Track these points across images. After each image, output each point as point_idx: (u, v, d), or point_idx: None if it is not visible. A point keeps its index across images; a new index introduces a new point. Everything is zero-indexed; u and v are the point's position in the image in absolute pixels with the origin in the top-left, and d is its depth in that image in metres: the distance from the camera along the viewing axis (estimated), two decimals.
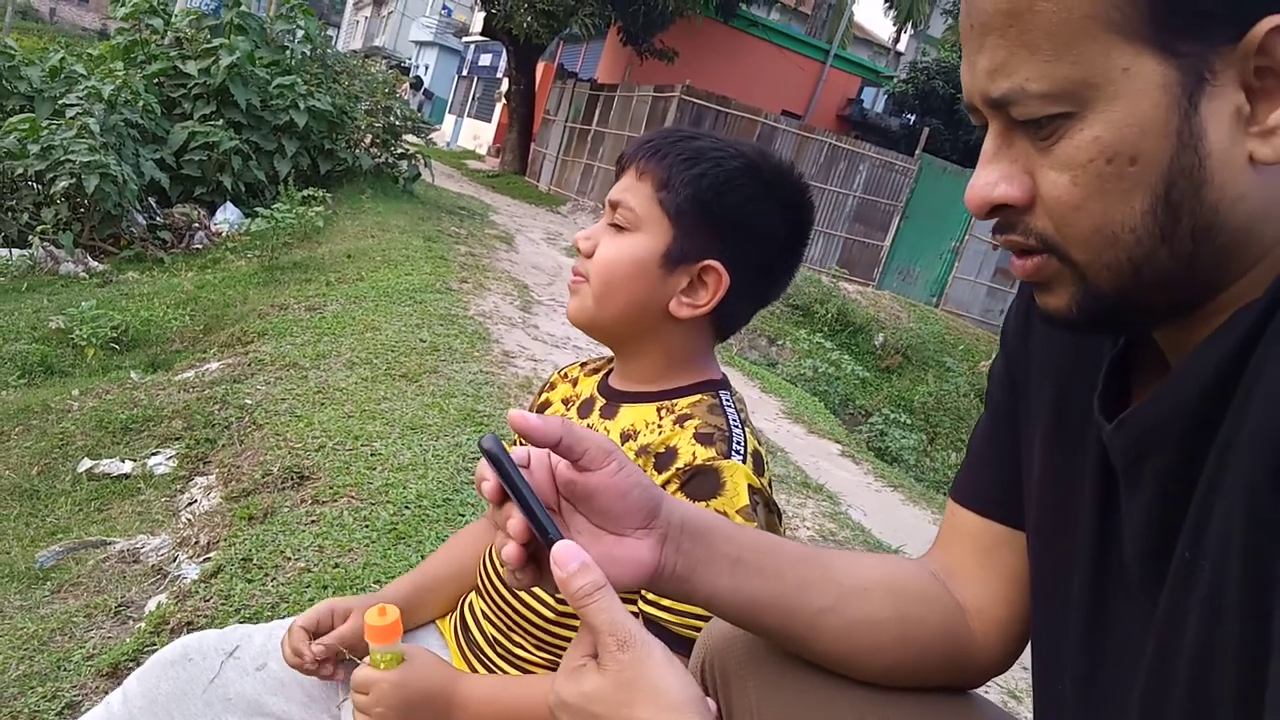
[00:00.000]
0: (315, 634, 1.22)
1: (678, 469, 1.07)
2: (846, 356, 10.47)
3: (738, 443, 1.10)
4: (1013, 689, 2.70)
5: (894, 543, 3.87)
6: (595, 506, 0.74)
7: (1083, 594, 0.76)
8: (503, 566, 0.71)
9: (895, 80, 22.73)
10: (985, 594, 0.91)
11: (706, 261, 1.14)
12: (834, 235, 15.50)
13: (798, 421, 5.94)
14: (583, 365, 1.38)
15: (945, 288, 15.99)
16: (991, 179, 0.66)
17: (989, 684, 1.50)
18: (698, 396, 1.17)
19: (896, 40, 25.51)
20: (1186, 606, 0.61)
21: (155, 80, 8.65)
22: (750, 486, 1.06)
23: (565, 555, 0.67)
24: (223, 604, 2.06)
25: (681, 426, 1.12)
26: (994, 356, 0.95)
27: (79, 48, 10.13)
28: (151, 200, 7.83)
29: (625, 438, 1.16)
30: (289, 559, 2.25)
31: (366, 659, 1.14)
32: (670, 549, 0.77)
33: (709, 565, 0.79)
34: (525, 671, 1.17)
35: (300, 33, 10.35)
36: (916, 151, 15.57)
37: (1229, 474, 0.58)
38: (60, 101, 7.58)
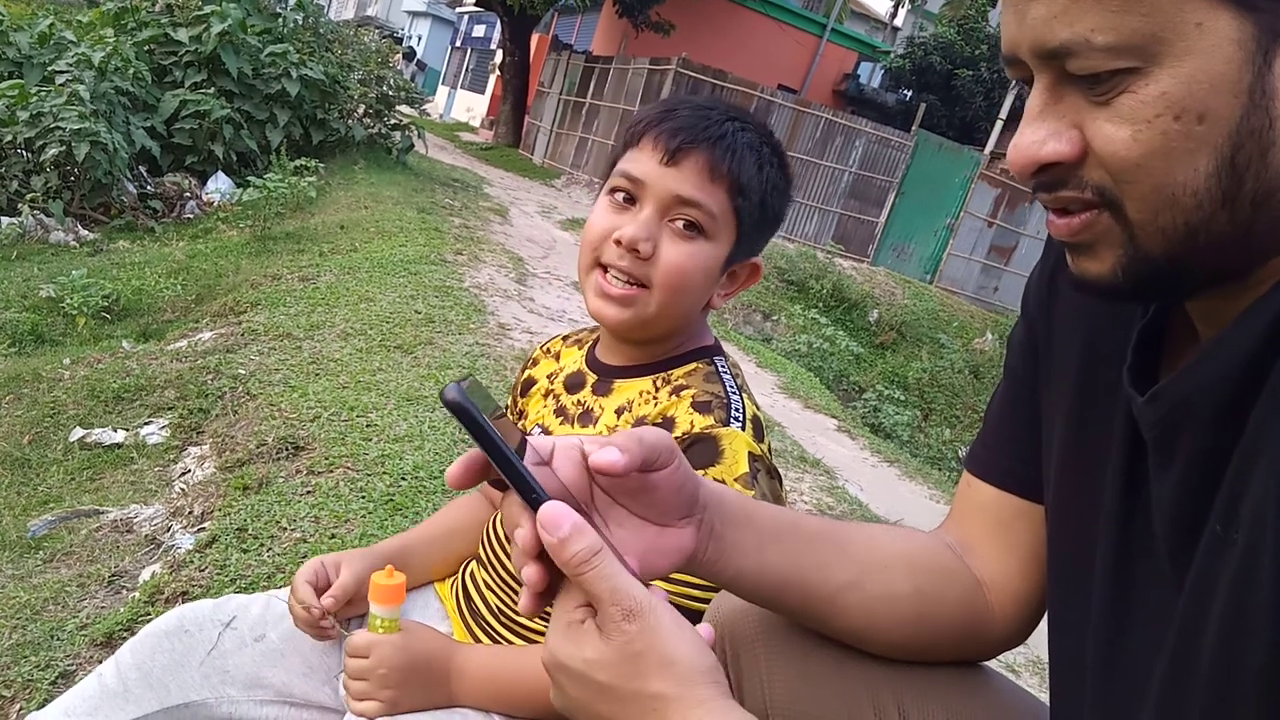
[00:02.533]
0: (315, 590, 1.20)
1: (675, 438, 1.05)
2: (841, 332, 10.46)
3: (736, 409, 1.09)
4: (1011, 663, 2.70)
5: (891, 517, 3.88)
6: (650, 501, 0.71)
7: (1105, 570, 0.74)
8: (513, 565, 0.67)
9: (892, 55, 22.58)
10: (1002, 568, 0.89)
11: (752, 259, 1.16)
12: (829, 211, 15.45)
13: (793, 396, 5.93)
14: (564, 338, 1.34)
15: (940, 264, 15.97)
16: (1039, 136, 0.62)
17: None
18: (693, 365, 1.15)
19: (894, 15, 25.33)
20: (1215, 583, 0.60)
21: (146, 47, 8.55)
22: (750, 454, 1.04)
23: (554, 518, 0.61)
24: (218, 574, 2.04)
25: (678, 396, 1.10)
26: (1015, 323, 0.93)
27: (69, 14, 9.99)
28: (142, 169, 7.76)
29: (620, 411, 1.14)
30: (285, 529, 2.23)
31: (361, 629, 1.12)
32: (704, 534, 0.75)
33: (737, 547, 0.78)
34: (529, 640, 1.15)
35: (292, 1, 10.22)
36: (913, 127, 15.51)
37: (1266, 448, 0.57)
38: (50, 68, 7.47)
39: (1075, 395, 0.80)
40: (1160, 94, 0.57)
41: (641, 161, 1.09)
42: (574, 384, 1.22)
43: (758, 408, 1.14)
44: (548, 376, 1.29)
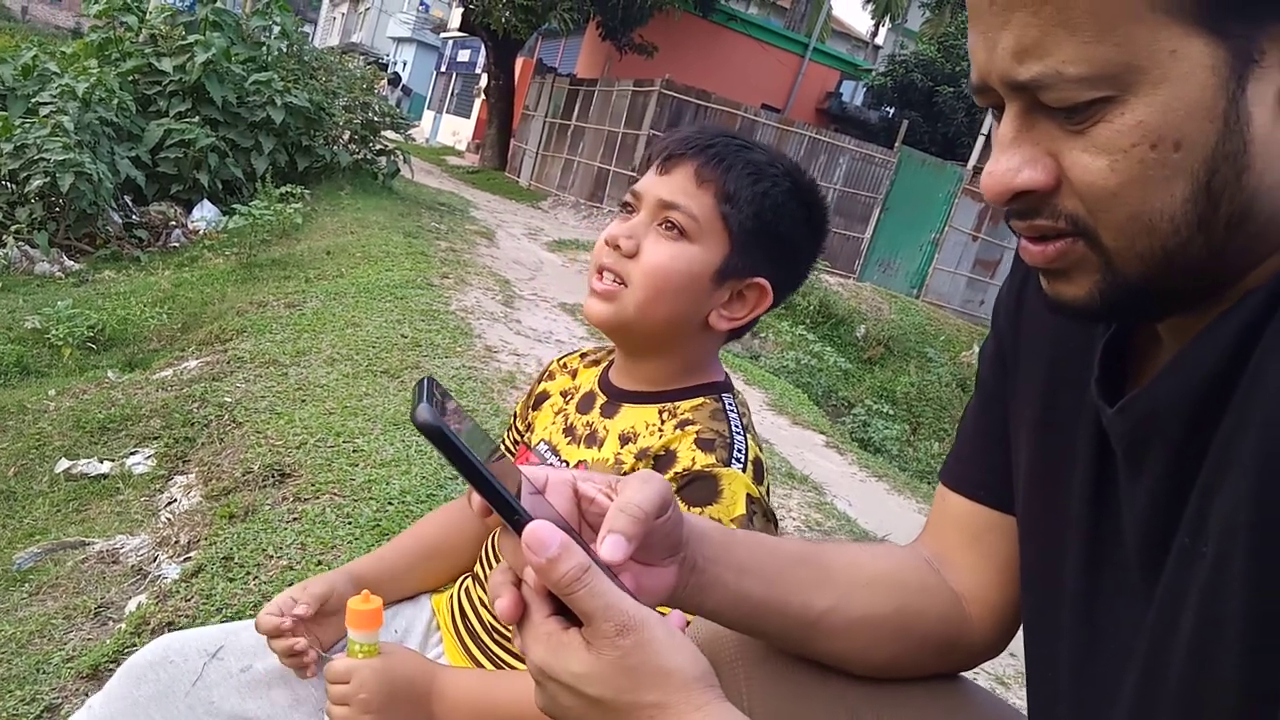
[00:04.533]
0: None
1: (676, 473, 1.05)
2: (829, 348, 10.49)
3: (739, 450, 1.09)
4: (1000, 675, 2.71)
5: (879, 532, 3.88)
6: (640, 545, 0.70)
7: (1075, 580, 0.75)
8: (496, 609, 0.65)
9: (874, 74, 22.77)
10: (978, 580, 0.90)
11: (755, 280, 1.14)
12: None
13: (782, 413, 5.94)
14: (582, 356, 1.34)
15: (926, 279, 16.04)
16: (1014, 164, 0.62)
17: (977, 670, 1.50)
18: (700, 400, 1.15)
19: (875, 34, 25.58)
20: (1185, 594, 0.60)
21: (130, 78, 8.55)
22: (749, 495, 1.05)
23: (541, 538, 0.59)
24: (204, 603, 2.03)
25: (683, 431, 1.10)
26: (985, 338, 0.94)
27: (52, 46, 9.98)
28: (127, 199, 7.74)
29: (625, 440, 1.14)
30: (271, 557, 2.22)
31: (340, 654, 1.12)
32: (686, 570, 0.75)
33: (717, 580, 0.78)
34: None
35: (276, 28, 10.24)
36: (895, 144, 15.61)
37: (1235, 459, 0.57)
38: (33, 100, 7.46)
39: (1042, 406, 0.81)
40: (1137, 123, 0.57)
41: (645, 178, 1.15)
42: (585, 404, 1.23)
43: (760, 449, 1.14)
44: (562, 394, 1.29)
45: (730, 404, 1.16)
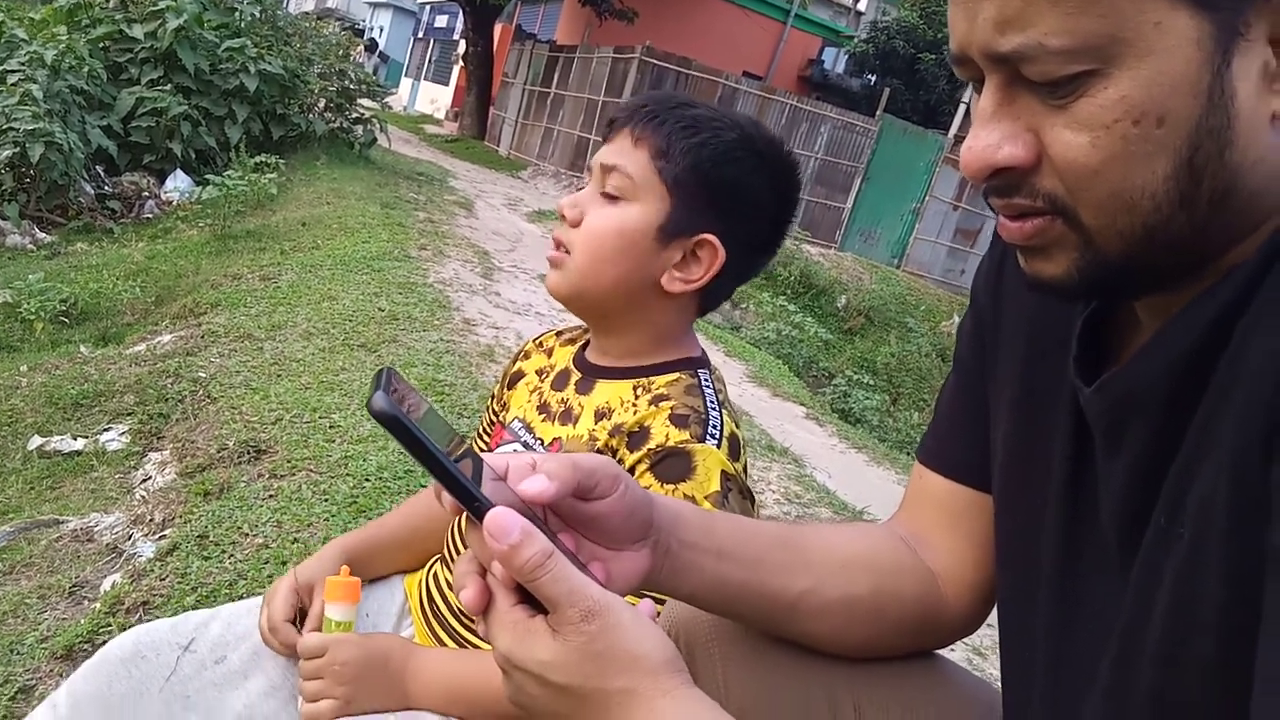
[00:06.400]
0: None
1: (649, 449, 1.04)
2: (809, 319, 10.50)
3: (713, 426, 1.07)
4: (978, 646, 2.73)
5: (859, 504, 3.90)
6: (600, 528, 0.70)
7: (1052, 560, 0.75)
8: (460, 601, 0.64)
9: (856, 40, 22.64)
10: (955, 559, 0.90)
11: (703, 235, 1.11)
12: None
13: (762, 385, 5.95)
14: (558, 334, 1.33)
15: (907, 249, 16.06)
16: (994, 139, 0.61)
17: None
18: (675, 375, 1.13)
19: (857, 0, 25.42)
20: (1160, 574, 0.60)
21: (100, 44, 8.40)
22: (724, 472, 1.03)
23: (503, 525, 0.58)
24: (179, 583, 2.02)
25: (657, 406, 1.09)
26: (963, 314, 0.93)
27: (20, 11, 9.77)
28: (99, 169, 7.63)
29: (600, 415, 1.12)
30: (246, 535, 2.20)
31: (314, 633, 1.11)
32: (660, 555, 0.74)
33: (694, 564, 0.77)
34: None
35: None
36: (877, 112, 15.56)
37: (1213, 439, 0.57)
38: (1, 68, 7.32)
39: (1021, 384, 0.81)
40: (1120, 98, 0.56)
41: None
42: (560, 381, 1.22)
43: (738, 425, 1.13)
44: (537, 372, 1.28)
45: (706, 379, 1.15)
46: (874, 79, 21.75)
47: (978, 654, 2.74)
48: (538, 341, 1.34)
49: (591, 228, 1.11)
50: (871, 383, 9.66)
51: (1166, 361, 0.61)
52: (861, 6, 25.34)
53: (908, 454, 5.89)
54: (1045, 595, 0.75)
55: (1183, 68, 0.55)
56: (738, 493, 1.05)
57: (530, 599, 0.61)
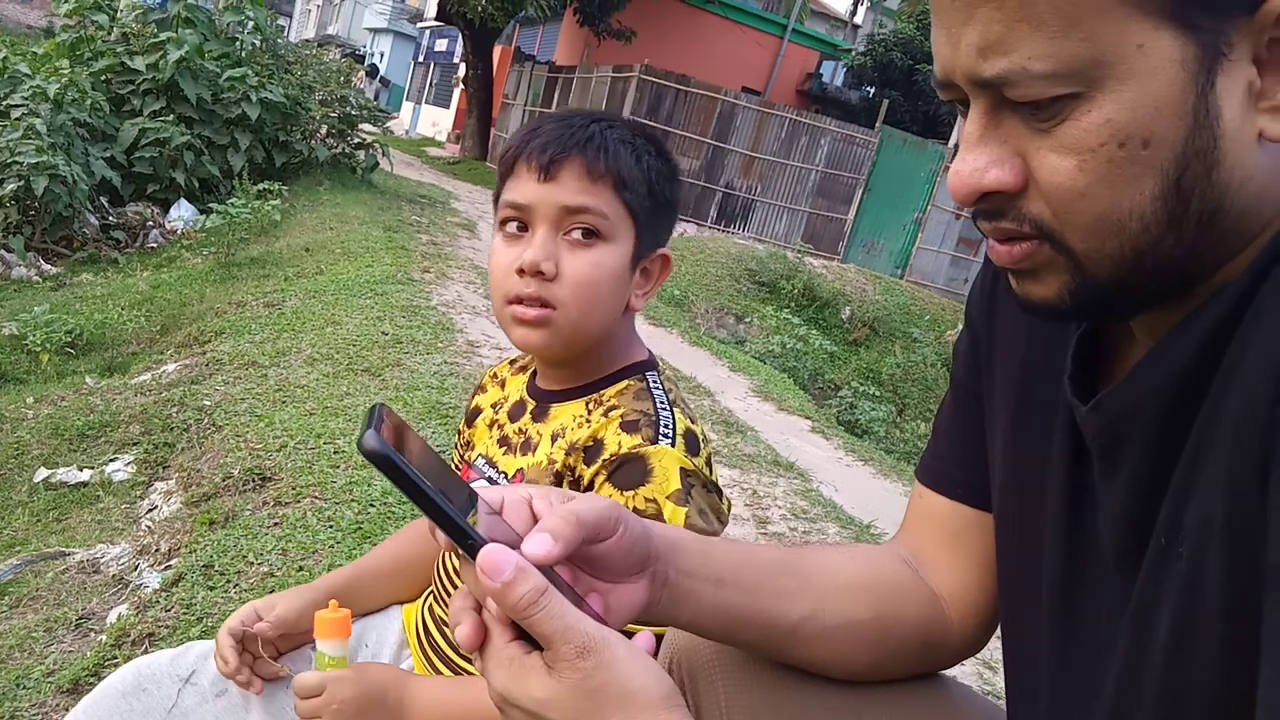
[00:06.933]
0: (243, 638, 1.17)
1: (604, 460, 1.04)
2: (814, 331, 10.49)
3: (665, 426, 1.07)
4: (988, 660, 2.71)
5: (866, 518, 3.88)
6: (598, 565, 0.69)
7: (1053, 578, 0.75)
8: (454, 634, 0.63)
9: (853, 53, 22.72)
10: (957, 579, 0.89)
11: (661, 251, 1.14)
12: (798, 211, 15.50)
13: (767, 399, 5.93)
14: (511, 362, 1.33)
15: (909, 259, 16.05)
16: (980, 164, 0.61)
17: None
18: (624, 383, 1.13)
19: (853, 13, 25.55)
20: (1161, 593, 0.60)
21: (103, 77, 8.48)
22: (682, 469, 1.03)
23: (496, 563, 0.57)
24: (184, 613, 2.01)
25: (607, 417, 1.09)
26: (959, 332, 0.93)
27: (23, 46, 9.88)
28: (103, 200, 7.68)
29: (555, 437, 1.12)
30: (251, 564, 2.20)
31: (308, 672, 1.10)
32: (658, 585, 0.74)
33: (692, 593, 0.76)
34: None
35: (250, 24, 10.15)
36: (877, 124, 15.59)
37: (1209, 456, 0.57)
38: (4, 102, 7.38)
39: (1017, 403, 0.80)
40: (1105, 121, 0.55)
41: (521, 186, 1.07)
42: (516, 412, 1.21)
43: (692, 421, 1.12)
44: (492, 405, 1.27)
45: (655, 381, 1.14)
46: (872, 91, 21.82)
47: (988, 667, 2.72)
48: (492, 374, 1.34)
49: (581, 278, 1.06)
50: (877, 394, 9.63)
51: (1161, 379, 0.61)
52: (858, 20, 25.43)
53: (914, 465, 5.86)
54: (1047, 615, 0.75)
55: (1167, 89, 0.54)
56: (701, 488, 1.05)
57: (526, 635, 0.61)
